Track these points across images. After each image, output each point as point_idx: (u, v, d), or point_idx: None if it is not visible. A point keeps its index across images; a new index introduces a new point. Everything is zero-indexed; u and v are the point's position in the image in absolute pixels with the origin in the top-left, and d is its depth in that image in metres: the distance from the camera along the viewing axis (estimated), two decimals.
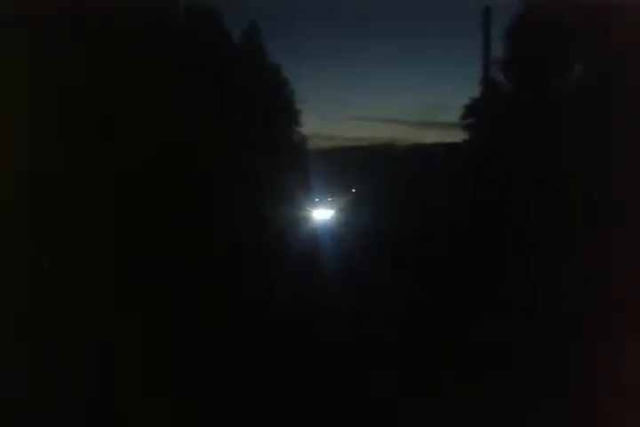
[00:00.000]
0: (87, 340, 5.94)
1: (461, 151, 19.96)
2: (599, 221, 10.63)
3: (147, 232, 9.67)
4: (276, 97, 22.84)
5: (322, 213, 29.06)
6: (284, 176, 21.48)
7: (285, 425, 4.58)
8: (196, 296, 8.11)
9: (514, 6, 15.36)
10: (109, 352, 5.72)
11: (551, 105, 14.16)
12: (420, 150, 28.26)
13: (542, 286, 8.53)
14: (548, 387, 4.92)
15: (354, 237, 20.56)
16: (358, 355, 6.04)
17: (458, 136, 20.35)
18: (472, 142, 19.00)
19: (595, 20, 12.63)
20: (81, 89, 9.15)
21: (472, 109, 18.51)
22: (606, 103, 11.89)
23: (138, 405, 4.69)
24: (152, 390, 5.02)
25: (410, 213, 19.17)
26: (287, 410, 4.72)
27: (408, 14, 38.06)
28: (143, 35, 11.19)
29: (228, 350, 6.02)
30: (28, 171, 8.51)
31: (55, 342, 5.83)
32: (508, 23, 15.89)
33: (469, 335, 6.62)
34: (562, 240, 10.86)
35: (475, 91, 18.13)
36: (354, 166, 32.61)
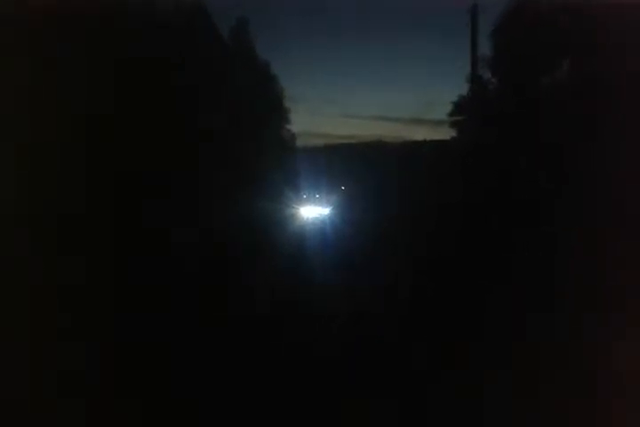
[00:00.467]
0: (87, 340, 5.92)
1: (450, 148, 20.07)
2: (588, 218, 10.72)
3: (124, 231, 9.64)
4: (266, 95, 22.77)
5: (310, 211, 29.03)
6: (272, 173, 21.47)
7: (285, 425, 4.58)
8: (190, 296, 8.10)
9: (501, 4, 15.48)
10: (108, 352, 5.71)
11: (539, 102, 14.26)
12: (409, 148, 28.35)
13: (529, 285, 8.55)
14: (548, 387, 4.95)
15: (343, 234, 20.64)
16: (358, 355, 6.04)
17: (447, 133, 20.51)
18: (460, 140, 19.13)
19: (582, 18, 12.72)
20: (70, 87, 9.08)
21: (460, 107, 18.63)
22: (594, 101, 11.97)
23: (137, 405, 4.68)
24: (152, 390, 5.01)
25: (400, 211, 19.25)
26: (287, 410, 4.72)
27: (398, 12, 38.15)
28: (130, 32, 11.10)
29: (226, 350, 6.01)
30: (28, 171, 8.46)
31: (55, 342, 5.81)
32: (495, 21, 16.04)
33: (468, 335, 6.64)
34: (553, 238, 10.93)
35: (463, 88, 18.31)
36: (343, 164, 32.66)
